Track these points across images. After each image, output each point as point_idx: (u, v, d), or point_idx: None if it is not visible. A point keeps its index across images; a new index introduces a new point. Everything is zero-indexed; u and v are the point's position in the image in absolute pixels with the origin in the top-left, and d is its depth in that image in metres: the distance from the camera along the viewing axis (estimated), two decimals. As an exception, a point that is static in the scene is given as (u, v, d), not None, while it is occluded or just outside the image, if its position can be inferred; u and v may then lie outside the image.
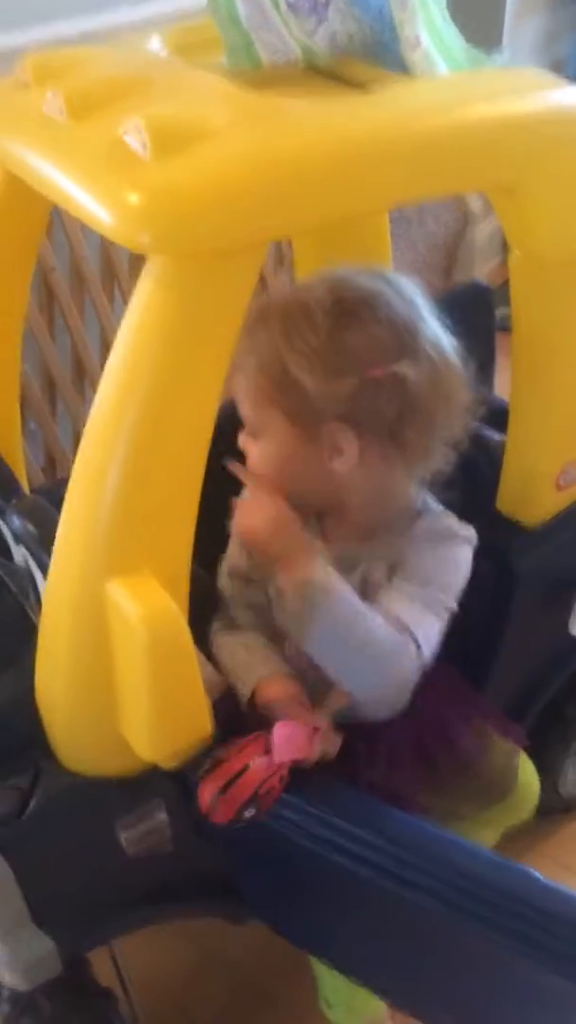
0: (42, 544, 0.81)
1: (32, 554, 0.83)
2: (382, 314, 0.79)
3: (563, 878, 1.20)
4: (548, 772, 1.19)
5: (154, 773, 0.80)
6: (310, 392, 0.78)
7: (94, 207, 0.64)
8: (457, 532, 0.86)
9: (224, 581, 0.93)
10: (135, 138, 0.64)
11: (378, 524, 0.86)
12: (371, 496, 0.85)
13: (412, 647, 0.81)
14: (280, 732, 0.78)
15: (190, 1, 1.35)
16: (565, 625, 1.08)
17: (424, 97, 0.75)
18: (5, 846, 0.78)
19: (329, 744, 0.82)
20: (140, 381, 0.67)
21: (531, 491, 0.96)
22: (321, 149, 0.67)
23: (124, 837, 0.84)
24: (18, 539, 0.86)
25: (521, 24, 2.32)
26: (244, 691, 0.85)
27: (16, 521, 0.84)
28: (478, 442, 0.90)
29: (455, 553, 0.86)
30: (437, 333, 0.81)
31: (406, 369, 0.78)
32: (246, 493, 0.85)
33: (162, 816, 0.85)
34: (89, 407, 0.71)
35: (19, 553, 0.88)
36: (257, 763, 0.77)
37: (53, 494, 0.91)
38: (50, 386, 1.41)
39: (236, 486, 0.86)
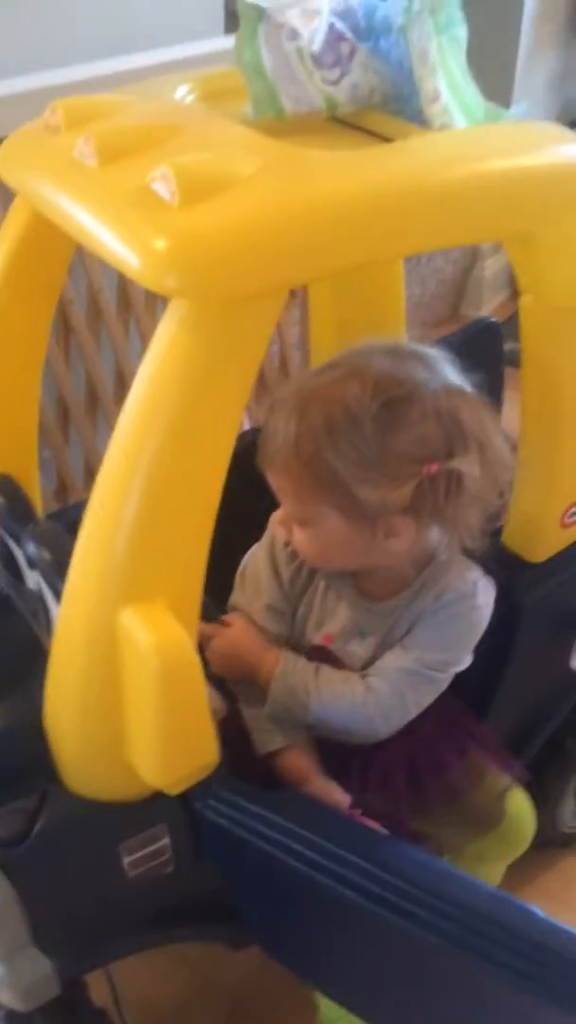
0: (56, 570, 0.83)
1: (46, 579, 0.85)
2: (428, 407, 0.77)
3: (559, 913, 1.22)
4: (547, 806, 1.20)
5: (158, 797, 0.81)
6: (366, 500, 0.78)
7: (122, 251, 0.66)
8: (478, 594, 0.88)
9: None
10: (163, 185, 0.66)
11: (410, 580, 0.88)
12: (412, 560, 0.87)
13: (370, 709, 0.86)
14: None
15: (208, 47, 1.40)
16: (567, 660, 1.09)
17: (443, 149, 0.77)
18: (10, 868, 0.79)
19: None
20: (159, 418, 0.69)
21: (537, 528, 0.98)
22: (342, 199, 0.69)
23: (127, 860, 0.85)
24: (32, 564, 0.88)
25: (534, 63, 2.36)
26: (259, 747, 0.89)
27: (32, 547, 0.86)
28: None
29: (471, 617, 0.88)
30: (472, 403, 0.80)
31: (459, 463, 0.78)
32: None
33: (165, 840, 0.86)
34: (101, 436, 0.73)
35: (32, 577, 0.90)
36: None
37: (64, 519, 0.93)
38: (64, 414, 1.44)
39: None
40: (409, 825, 0.89)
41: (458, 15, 0.79)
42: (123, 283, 1.42)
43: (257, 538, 0.97)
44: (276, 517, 0.88)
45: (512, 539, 0.99)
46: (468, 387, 0.82)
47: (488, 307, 2.50)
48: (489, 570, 0.91)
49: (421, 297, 2.33)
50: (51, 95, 0.80)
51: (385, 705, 0.86)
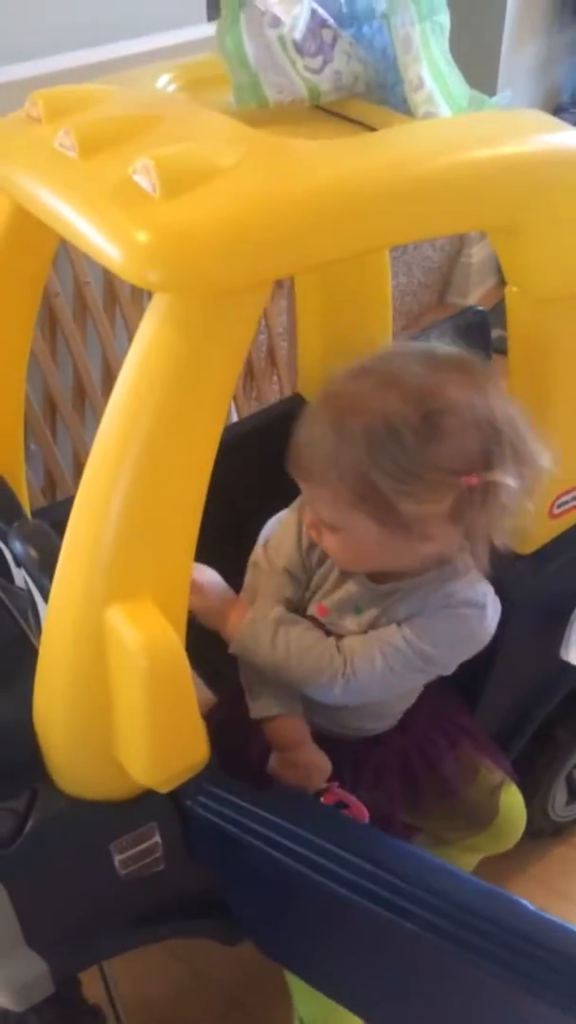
0: (43, 568, 0.82)
1: (32, 578, 0.84)
2: (467, 417, 0.76)
3: (551, 902, 1.23)
4: (538, 795, 1.20)
5: (149, 795, 0.81)
6: (405, 511, 0.77)
7: (104, 244, 0.65)
8: (487, 607, 0.86)
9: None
10: (144, 177, 0.65)
11: (418, 570, 0.87)
12: (434, 559, 0.85)
13: (339, 676, 0.85)
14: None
15: (190, 35, 1.38)
16: (556, 650, 1.09)
17: (427, 138, 0.76)
18: (1, 868, 0.79)
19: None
20: (144, 414, 0.68)
21: (525, 519, 0.97)
22: (325, 190, 0.68)
23: (118, 859, 0.85)
24: (19, 562, 0.87)
25: (518, 49, 2.36)
26: (252, 712, 0.88)
27: (18, 545, 0.85)
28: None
29: (475, 627, 0.86)
30: (508, 411, 0.79)
31: (497, 475, 0.77)
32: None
33: (156, 839, 0.85)
34: (89, 430, 0.72)
35: (20, 575, 0.89)
36: None
37: (52, 515, 0.93)
38: (51, 408, 1.42)
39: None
40: (402, 821, 0.89)
41: (441, 2, 0.78)
42: (109, 275, 1.41)
43: (249, 532, 0.96)
44: (302, 507, 0.86)
45: (501, 530, 0.99)
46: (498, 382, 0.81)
47: (475, 295, 2.50)
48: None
49: (407, 285, 2.33)
50: (33, 86, 0.79)
51: (354, 666, 0.85)
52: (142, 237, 0.64)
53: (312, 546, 0.90)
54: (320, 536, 0.84)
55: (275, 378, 1.80)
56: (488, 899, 0.77)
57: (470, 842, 0.98)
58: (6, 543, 0.90)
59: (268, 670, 0.87)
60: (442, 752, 0.89)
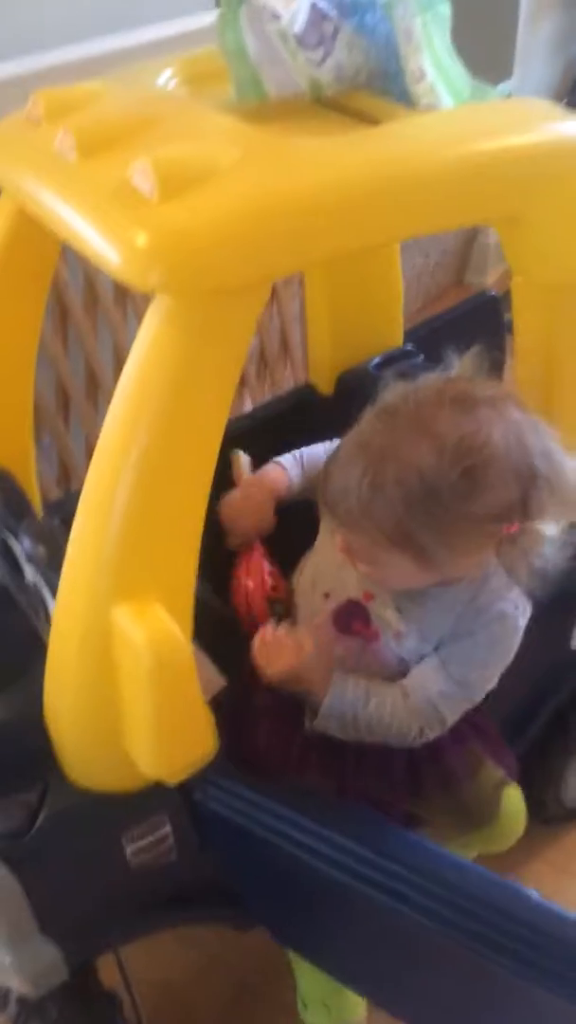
0: (52, 565, 0.83)
1: (41, 574, 0.85)
2: (505, 467, 0.75)
3: (564, 884, 1.23)
4: (551, 780, 1.20)
5: (159, 787, 0.82)
6: (443, 560, 0.77)
7: (102, 247, 0.66)
8: (519, 618, 0.85)
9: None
10: (143, 179, 0.65)
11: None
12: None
13: (414, 731, 0.86)
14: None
15: (191, 24, 1.37)
16: (567, 640, 1.09)
17: (429, 131, 0.76)
18: (14, 860, 0.80)
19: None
20: (146, 414, 0.69)
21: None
22: (325, 188, 0.68)
23: (129, 849, 0.86)
24: (29, 559, 0.88)
25: (535, 24, 2.31)
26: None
27: (27, 542, 0.86)
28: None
29: (511, 643, 0.86)
30: (542, 444, 0.77)
31: (536, 522, 0.77)
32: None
33: (166, 829, 0.87)
34: (102, 419, 0.73)
35: (30, 571, 0.90)
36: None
37: (63, 510, 0.93)
38: (64, 400, 1.43)
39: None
40: (404, 810, 0.90)
41: (441, -8, 0.78)
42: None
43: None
44: (341, 543, 0.84)
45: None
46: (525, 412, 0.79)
47: (493, 275, 2.47)
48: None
49: (424, 267, 2.31)
50: (39, 78, 0.79)
51: (425, 721, 0.86)
52: (140, 239, 0.64)
53: None
54: (353, 560, 0.84)
55: (288, 364, 1.80)
56: (493, 889, 0.78)
57: (469, 840, 0.98)
58: (17, 540, 0.91)
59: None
60: (447, 743, 0.89)
